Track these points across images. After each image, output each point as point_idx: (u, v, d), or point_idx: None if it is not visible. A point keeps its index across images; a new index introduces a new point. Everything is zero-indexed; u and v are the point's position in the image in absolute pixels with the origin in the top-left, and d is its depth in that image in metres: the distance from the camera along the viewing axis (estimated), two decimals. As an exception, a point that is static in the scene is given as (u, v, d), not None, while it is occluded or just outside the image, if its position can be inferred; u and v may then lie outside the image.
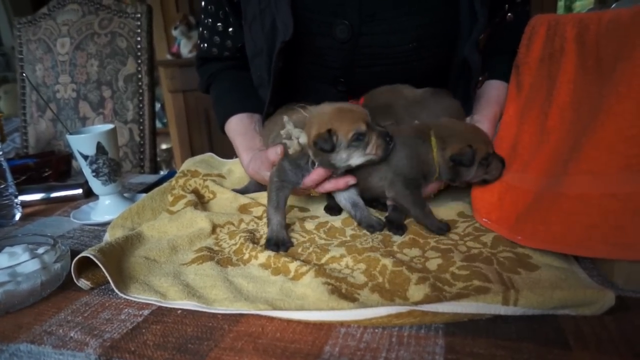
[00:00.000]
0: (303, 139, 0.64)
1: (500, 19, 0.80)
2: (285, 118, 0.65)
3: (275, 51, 0.70)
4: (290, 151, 0.65)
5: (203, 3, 0.86)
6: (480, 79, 0.78)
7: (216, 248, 0.66)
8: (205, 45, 0.88)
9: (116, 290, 0.55)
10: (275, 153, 0.66)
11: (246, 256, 0.62)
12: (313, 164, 0.66)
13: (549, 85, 0.60)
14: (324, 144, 0.61)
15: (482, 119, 0.75)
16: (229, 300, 0.51)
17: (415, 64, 0.75)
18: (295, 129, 0.64)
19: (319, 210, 0.77)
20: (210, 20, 0.85)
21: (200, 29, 0.89)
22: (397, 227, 0.65)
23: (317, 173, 0.66)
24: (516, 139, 0.67)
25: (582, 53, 0.54)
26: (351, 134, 0.61)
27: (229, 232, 0.70)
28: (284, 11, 0.69)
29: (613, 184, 0.47)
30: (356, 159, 0.63)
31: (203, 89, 0.94)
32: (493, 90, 0.79)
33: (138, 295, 0.55)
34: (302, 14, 0.70)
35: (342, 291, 0.51)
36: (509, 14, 0.80)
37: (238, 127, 0.83)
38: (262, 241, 0.67)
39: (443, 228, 0.64)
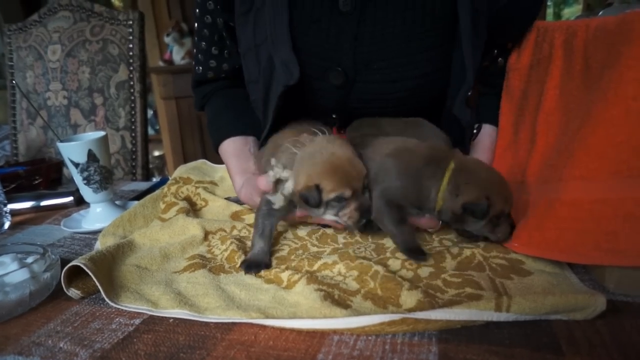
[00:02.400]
0: (290, 186, 0.60)
1: (490, 62, 0.77)
2: (273, 161, 0.62)
3: (278, 94, 0.69)
4: (276, 206, 0.62)
5: (197, 26, 0.83)
6: (475, 130, 0.77)
7: (209, 256, 0.66)
8: (201, 68, 0.86)
9: (107, 300, 0.55)
10: (267, 182, 0.63)
11: (239, 264, 0.62)
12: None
13: (539, 91, 0.60)
14: (310, 199, 0.58)
15: None
16: (221, 309, 0.51)
17: (409, 107, 0.75)
18: (285, 171, 0.61)
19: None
20: (204, 43, 0.83)
21: (195, 51, 0.86)
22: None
23: (300, 213, 0.65)
24: (515, 147, 0.66)
25: (570, 59, 0.55)
26: (333, 195, 0.58)
27: (220, 237, 0.70)
28: (286, 55, 0.68)
29: (604, 190, 0.47)
30: (328, 216, 0.61)
31: (198, 108, 0.92)
32: (486, 137, 0.77)
33: (129, 305, 0.54)
34: (299, 57, 0.69)
35: (335, 297, 0.51)
36: (500, 59, 0.77)
37: (231, 148, 0.80)
38: None
39: (419, 257, 0.57)
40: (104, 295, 0.55)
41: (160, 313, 0.52)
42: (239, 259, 0.62)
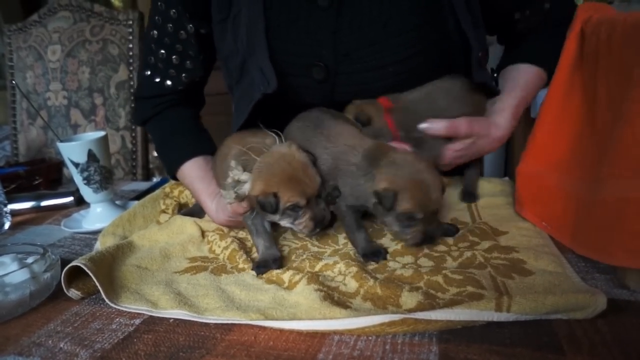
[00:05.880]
0: (247, 188, 0.62)
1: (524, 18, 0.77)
2: (233, 163, 0.63)
3: (254, 101, 0.69)
4: (226, 201, 0.63)
5: (156, 33, 0.79)
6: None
7: (211, 256, 0.66)
8: (159, 78, 0.81)
9: (106, 300, 0.55)
10: (241, 207, 0.64)
11: (240, 265, 0.62)
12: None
13: (592, 88, 0.59)
14: (267, 206, 0.60)
15: (504, 108, 0.73)
16: (220, 309, 0.51)
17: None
18: (244, 174, 0.62)
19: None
20: (164, 52, 0.79)
21: (151, 60, 0.81)
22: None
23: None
24: (575, 141, 0.62)
25: (610, 55, 0.54)
26: (289, 204, 0.60)
27: (219, 235, 0.70)
28: (264, 63, 0.68)
29: (628, 188, 0.47)
30: (284, 223, 0.63)
31: (140, 122, 0.86)
32: (522, 73, 0.76)
33: (129, 305, 0.54)
34: (279, 58, 0.69)
35: (335, 298, 0.51)
36: (517, 15, 0.76)
37: (195, 171, 0.77)
38: (254, 249, 0.66)
39: (375, 254, 0.60)
40: (103, 296, 0.55)
41: (160, 314, 0.52)
42: (241, 258, 0.62)
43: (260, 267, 0.60)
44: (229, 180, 0.63)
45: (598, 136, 0.56)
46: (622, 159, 0.48)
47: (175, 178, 0.83)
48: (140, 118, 0.85)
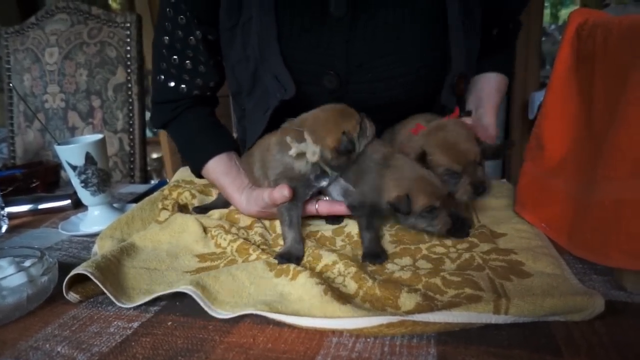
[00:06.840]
0: (316, 151, 0.62)
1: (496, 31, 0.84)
2: (288, 139, 0.64)
3: (271, 108, 0.70)
4: (313, 159, 0.63)
5: (167, 39, 0.79)
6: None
7: (218, 251, 0.66)
8: (173, 83, 0.82)
9: (118, 304, 0.55)
10: (282, 196, 0.64)
11: (252, 256, 0.62)
12: (319, 177, 0.66)
13: (588, 91, 0.59)
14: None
15: (486, 112, 0.79)
16: (229, 305, 0.52)
17: (403, 105, 0.75)
18: (301, 144, 0.63)
19: (310, 218, 0.76)
20: (176, 57, 0.80)
21: (164, 65, 0.82)
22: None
23: (323, 207, 0.70)
24: (573, 143, 0.63)
25: (607, 58, 0.55)
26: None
27: (222, 229, 0.70)
28: (279, 69, 0.69)
29: (624, 190, 0.47)
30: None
31: (159, 126, 0.87)
32: (492, 81, 0.83)
33: (143, 299, 0.55)
34: (290, 65, 0.69)
35: (336, 293, 0.51)
36: (495, 30, 0.83)
37: (219, 167, 0.79)
38: (261, 246, 0.67)
39: (374, 256, 0.60)
40: (114, 301, 0.55)
41: (173, 290, 0.54)
42: (255, 251, 0.63)
43: (283, 258, 0.60)
44: (292, 154, 0.63)
45: (595, 138, 0.56)
46: (618, 160, 0.48)
47: (200, 176, 0.85)
48: (160, 122, 0.86)
